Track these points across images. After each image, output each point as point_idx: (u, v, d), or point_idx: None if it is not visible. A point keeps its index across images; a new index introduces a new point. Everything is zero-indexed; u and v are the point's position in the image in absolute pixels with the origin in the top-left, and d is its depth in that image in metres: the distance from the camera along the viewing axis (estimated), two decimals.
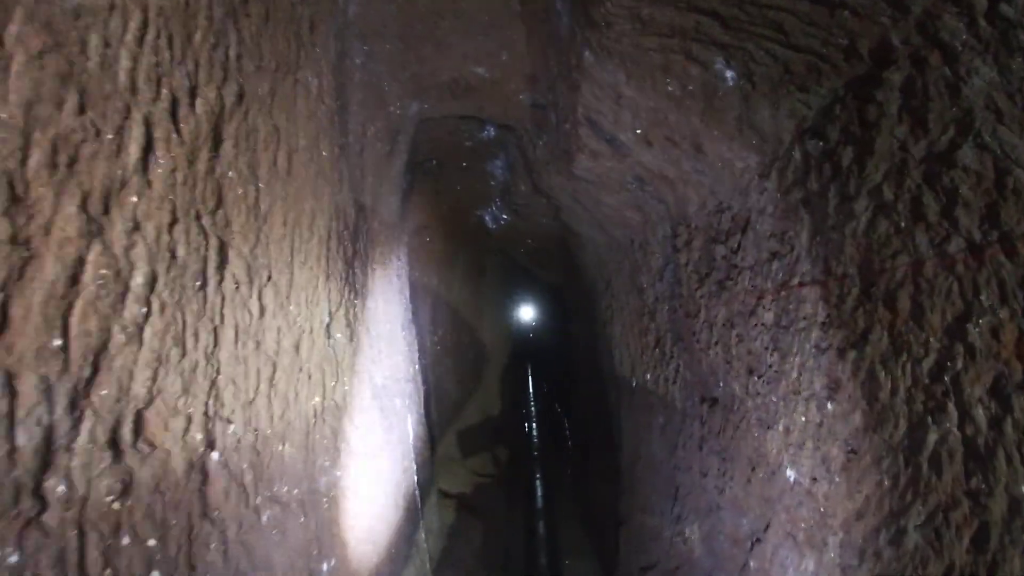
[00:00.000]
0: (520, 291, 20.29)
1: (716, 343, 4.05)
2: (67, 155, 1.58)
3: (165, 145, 1.99)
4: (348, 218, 3.73)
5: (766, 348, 3.32)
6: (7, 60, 1.43)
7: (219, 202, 2.29)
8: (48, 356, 1.53)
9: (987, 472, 2.09)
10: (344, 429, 3.48)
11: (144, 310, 1.87)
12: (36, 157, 1.49)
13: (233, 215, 2.37)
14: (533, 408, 17.76)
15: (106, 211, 1.72)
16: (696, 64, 3.00)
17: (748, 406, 3.60)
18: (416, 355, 6.98)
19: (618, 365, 7.39)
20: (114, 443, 1.76)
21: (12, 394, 1.43)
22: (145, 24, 1.90)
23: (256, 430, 2.50)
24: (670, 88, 3.22)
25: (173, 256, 2.01)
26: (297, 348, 2.88)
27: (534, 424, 15.95)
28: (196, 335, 2.12)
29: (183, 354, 2.05)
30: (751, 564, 3.58)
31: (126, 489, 1.80)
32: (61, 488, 1.56)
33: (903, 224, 2.34)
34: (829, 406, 2.83)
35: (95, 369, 1.68)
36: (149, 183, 1.90)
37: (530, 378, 21.47)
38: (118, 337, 1.77)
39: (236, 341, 2.35)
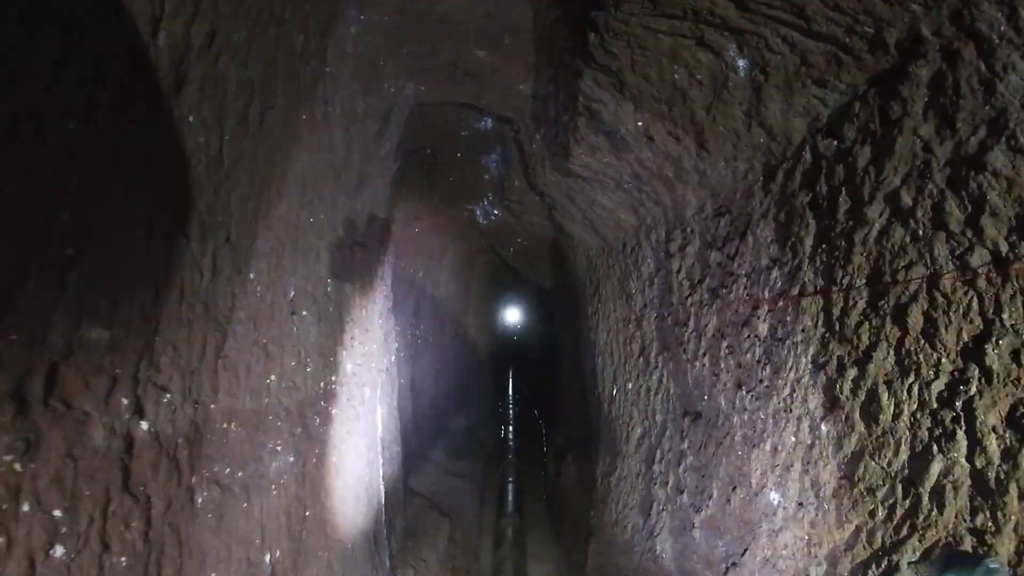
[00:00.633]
0: (508, 293, 20.06)
1: (704, 354, 3.84)
2: None
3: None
4: (325, 190, 3.50)
5: (758, 361, 3.12)
6: None
7: None
8: None
9: (995, 509, 1.89)
10: (303, 413, 3.24)
11: (71, 251, 1.65)
12: None
13: (190, 163, 2.15)
14: (512, 411, 17.53)
15: None
16: (707, 50, 2.80)
17: (734, 422, 3.40)
18: (393, 346, 6.75)
19: (600, 373, 7.19)
20: (19, 395, 1.54)
21: None
22: None
23: (197, 403, 2.27)
24: (677, 76, 3.02)
25: None
26: (254, 320, 2.65)
27: (512, 428, 15.71)
28: (132, 288, 1.89)
29: (114, 305, 1.82)
30: None
31: (30, 449, 1.57)
32: None
33: (921, 232, 2.14)
34: (823, 427, 2.63)
35: (5, 308, 1.47)
36: None
37: (511, 381, 21.27)
38: (36, 277, 1.55)
39: (181, 301, 2.13)
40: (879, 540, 2.28)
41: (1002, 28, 1.92)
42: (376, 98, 4.76)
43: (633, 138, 3.70)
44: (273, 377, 2.86)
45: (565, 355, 12.56)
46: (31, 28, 1.52)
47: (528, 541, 9.49)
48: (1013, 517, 1.85)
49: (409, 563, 6.66)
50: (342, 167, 3.89)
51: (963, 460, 1.98)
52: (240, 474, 2.61)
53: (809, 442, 2.72)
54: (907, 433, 2.17)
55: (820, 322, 2.65)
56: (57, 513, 1.67)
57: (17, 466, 1.55)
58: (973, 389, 1.95)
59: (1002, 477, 1.87)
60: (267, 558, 2.86)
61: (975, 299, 1.96)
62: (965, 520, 1.97)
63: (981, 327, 1.94)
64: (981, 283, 1.95)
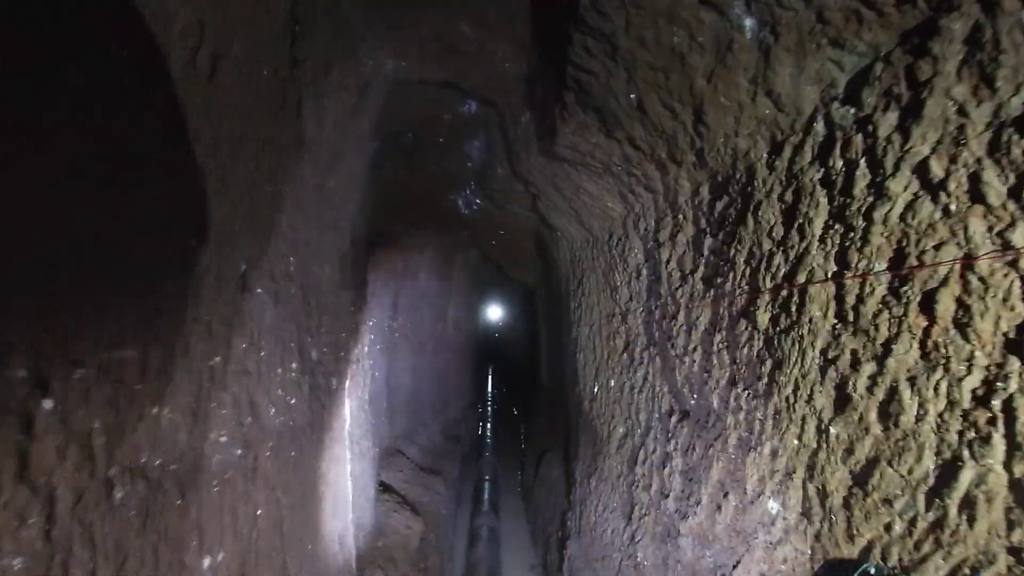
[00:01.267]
0: (490, 289, 19.79)
1: (695, 349, 3.57)
2: None
3: None
4: (287, 155, 3.18)
5: (757, 356, 2.85)
6: None
7: None
8: None
9: None
10: (254, 401, 2.93)
11: None
12: None
13: None
14: (491, 408, 17.23)
15: None
16: (710, 8, 2.52)
17: (727, 422, 3.13)
18: (367, 337, 6.44)
19: (581, 370, 6.91)
20: None
21: None
22: None
23: (120, 381, 1.96)
24: (676, 39, 2.74)
25: None
26: (197, 292, 2.34)
27: (490, 425, 15.42)
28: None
29: (10, 259, 1.52)
30: None
31: None
32: None
33: (954, 207, 1.88)
34: (832, 429, 2.36)
35: None
36: None
37: (491, 378, 21.01)
38: None
39: None
40: (896, 557, 2.01)
41: None
42: (353, 71, 4.45)
43: (625, 113, 3.41)
44: (217, 359, 2.55)
45: (546, 352, 12.32)
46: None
47: (504, 541, 9.24)
48: None
49: (377, 564, 6.38)
50: (310, 132, 3.58)
51: (999, 467, 1.71)
52: (173, 467, 2.30)
53: (815, 446, 2.45)
54: (933, 436, 1.91)
55: (831, 312, 2.38)
56: None
57: None
58: (1013, 386, 1.68)
59: None
60: (206, 562, 2.55)
61: (1017, 282, 1.70)
62: (1000, 536, 1.71)
63: None
64: None
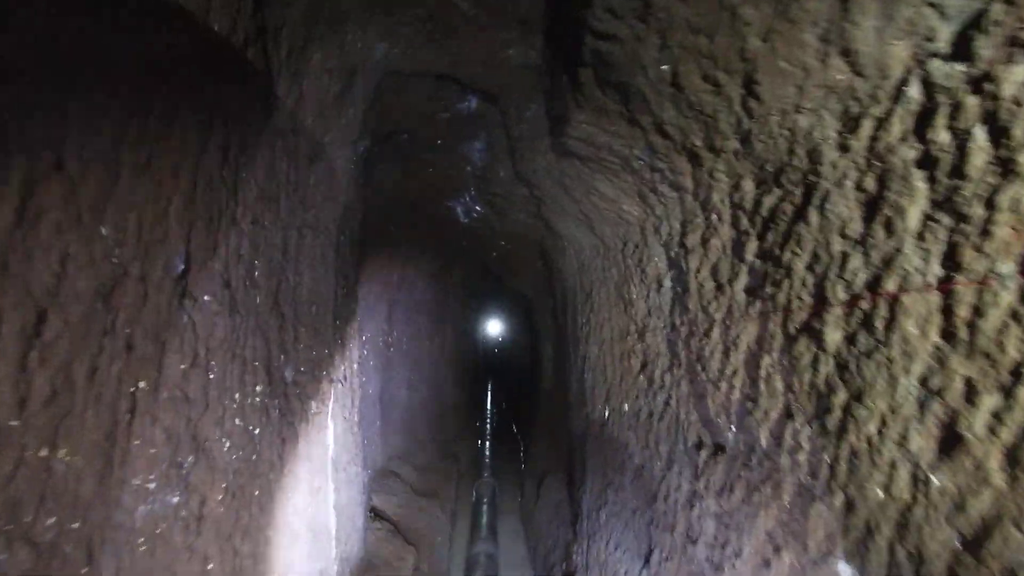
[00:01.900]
0: (489, 301, 19.29)
1: (734, 373, 3.01)
2: None
3: None
4: (249, 133, 2.64)
5: (825, 384, 2.29)
6: None
7: None
8: None
9: None
10: (198, 435, 2.38)
11: None
12: None
13: None
14: (489, 426, 16.62)
15: None
16: None
17: (780, 464, 2.57)
18: (356, 353, 5.88)
19: (589, 391, 6.35)
20: None
21: None
22: None
23: None
24: None
25: None
26: (106, 296, 1.79)
27: (488, 444, 14.81)
28: None
29: None
30: None
31: None
32: None
33: None
34: (935, 478, 1.80)
35: None
36: None
37: (490, 395, 20.42)
38: None
39: None
40: None
41: None
42: (337, 53, 3.93)
43: (654, 90, 2.87)
44: (143, 384, 2.00)
45: (548, 369, 11.79)
46: None
47: (502, 570, 8.68)
48: None
49: None
50: (285, 110, 3.04)
51: None
52: (75, 525, 1.75)
53: (908, 498, 1.89)
54: None
55: (933, 328, 1.83)
56: None
57: None
58: None
59: None
60: None
61: None
62: None
63: None
64: None
